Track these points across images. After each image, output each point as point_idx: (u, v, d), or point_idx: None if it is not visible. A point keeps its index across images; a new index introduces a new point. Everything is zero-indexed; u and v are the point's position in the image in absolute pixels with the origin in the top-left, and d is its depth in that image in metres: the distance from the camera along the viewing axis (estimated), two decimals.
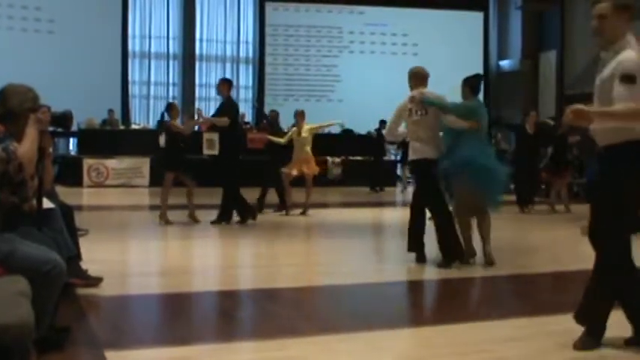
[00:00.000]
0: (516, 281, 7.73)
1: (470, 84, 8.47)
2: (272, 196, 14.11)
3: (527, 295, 7.14)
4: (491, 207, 8.37)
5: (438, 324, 5.66)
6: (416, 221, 8.40)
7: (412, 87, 8.46)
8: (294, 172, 13.43)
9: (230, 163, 12.02)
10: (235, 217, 12.02)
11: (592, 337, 4.75)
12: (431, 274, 8.12)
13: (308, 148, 13.54)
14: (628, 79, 4.45)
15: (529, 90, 27.08)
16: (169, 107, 12.44)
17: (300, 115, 13.70)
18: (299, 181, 13.80)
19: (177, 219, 12.07)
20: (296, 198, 13.91)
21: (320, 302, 6.60)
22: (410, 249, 8.44)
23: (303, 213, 13.62)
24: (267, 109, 26.14)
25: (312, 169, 13.62)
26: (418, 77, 8.50)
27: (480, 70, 28.41)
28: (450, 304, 6.75)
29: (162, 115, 12.60)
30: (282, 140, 13.74)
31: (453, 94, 8.71)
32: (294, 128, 13.71)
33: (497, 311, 6.10)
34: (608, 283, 4.71)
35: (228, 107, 12.03)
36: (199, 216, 12.04)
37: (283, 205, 13.86)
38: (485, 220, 8.37)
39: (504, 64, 28.71)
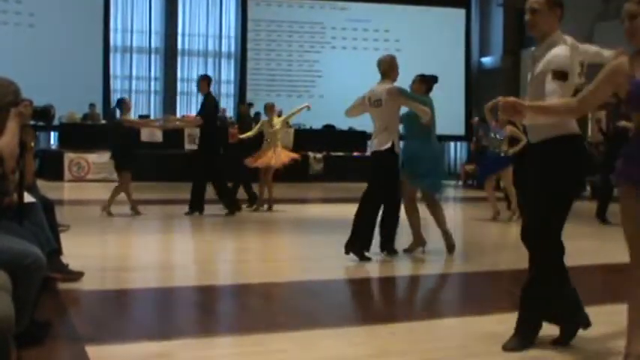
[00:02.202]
0: (495, 277, 7.78)
1: (428, 83, 8.80)
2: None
3: (505, 291, 7.19)
4: (435, 192, 8.83)
5: (418, 319, 5.70)
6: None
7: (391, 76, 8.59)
8: (257, 164, 13.37)
9: (206, 159, 12.12)
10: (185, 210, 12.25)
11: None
12: (410, 269, 8.18)
13: (279, 141, 13.57)
14: (560, 75, 4.50)
15: (510, 87, 27.15)
16: (120, 102, 12.46)
17: (270, 109, 13.71)
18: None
19: (158, 214, 12.08)
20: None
21: (300, 297, 6.62)
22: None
23: (270, 209, 13.63)
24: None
25: (279, 160, 13.51)
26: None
27: (462, 67, 28.58)
28: (429, 300, 6.80)
29: (114, 111, 12.62)
30: (250, 133, 13.73)
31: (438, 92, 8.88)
32: (264, 120, 13.69)
33: (477, 307, 6.13)
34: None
35: (208, 104, 12.18)
36: (179, 210, 12.05)
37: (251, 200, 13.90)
38: (435, 209, 8.72)
39: (486, 60, 28.82)
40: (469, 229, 11.93)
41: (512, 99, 4.39)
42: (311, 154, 22.30)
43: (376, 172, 8.45)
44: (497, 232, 11.58)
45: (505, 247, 9.99)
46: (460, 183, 23.60)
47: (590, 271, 7.77)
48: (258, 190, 13.70)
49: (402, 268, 8.32)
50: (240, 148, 13.92)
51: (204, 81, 12.48)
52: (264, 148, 13.37)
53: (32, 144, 5.15)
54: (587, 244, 9.71)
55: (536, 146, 4.73)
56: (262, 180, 13.59)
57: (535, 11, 4.70)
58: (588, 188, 17.35)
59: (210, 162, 12.19)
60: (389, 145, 8.25)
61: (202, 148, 12.34)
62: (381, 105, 8.37)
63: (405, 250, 8.73)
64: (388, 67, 8.60)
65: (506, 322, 5.33)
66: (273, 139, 13.38)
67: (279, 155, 13.39)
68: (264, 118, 14.10)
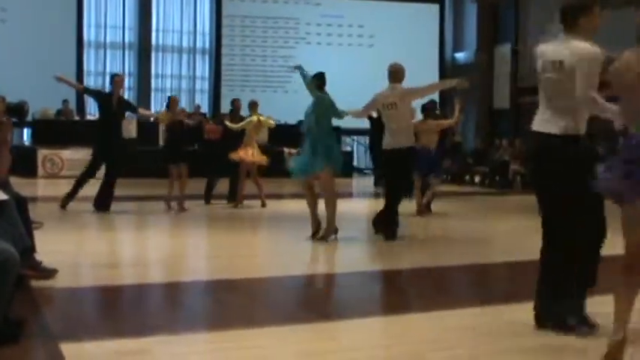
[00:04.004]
0: (469, 271, 7.83)
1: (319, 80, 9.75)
2: (222, 187, 14.07)
3: (480, 284, 7.26)
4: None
5: (393, 314, 5.73)
6: None
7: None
8: (249, 158, 13.36)
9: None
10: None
11: None
12: (385, 264, 8.22)
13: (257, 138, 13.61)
14: None
15: (484, 82, 27.28)
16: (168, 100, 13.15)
17: (254, 106, 13.68)
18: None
19: (132, 210, 12.05)
20: (250, 189, 13.87)
21: (276, 293, 6.63)
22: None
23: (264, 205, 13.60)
24: (223, 100, 26.12)
25: (258, 157, 13.57)
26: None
27: (436, 62, 28.64)
28: (404, 294, 6.83)
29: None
30: (235, 126, 13.67)
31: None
32: (253, 117, 13.61)
33: (450, 301, 6.17)
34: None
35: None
36: (154, 206, 12.03)
37: (234, 197, 13.81)
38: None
39: (460, 56, 28.91)
40: (440, 224, 11.97)
41: None
42: (285, 149, 22.24)
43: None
44: (468, 227, 11.62)
45: (474, 241, 10.02)
46: None
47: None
48: (239, 186, 13.63)
49: (377, 262, 8.37)
50: (220, 145, 13.93)
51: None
52: (250, 144, 13.37)
53: (9, 137, 5.11)
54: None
55: None
56: (243, 177, 13.54)
57: None
58: None
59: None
60: None
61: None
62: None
63: (319, 238, 9.31)
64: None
65: (478, 316, 5.40)
66: (256, 137, 13.47)
67: (257, 153, 13.45)
68: (245, 114, 14.05)
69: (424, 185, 12.54)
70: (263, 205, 13.49)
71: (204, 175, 13.78)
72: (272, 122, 13.85)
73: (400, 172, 9.58)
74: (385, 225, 9.43)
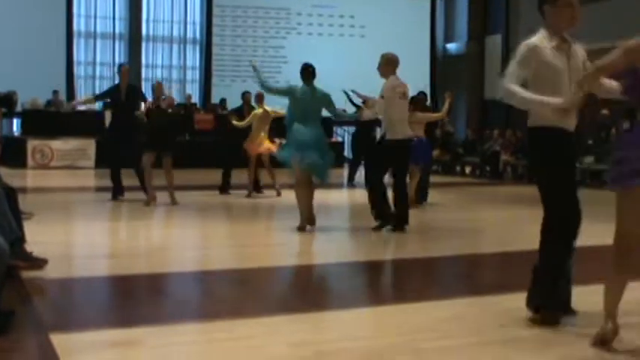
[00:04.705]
0: (459, 262, 7.83)
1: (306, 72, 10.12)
2: (216, 177, 14.11)
3: (470, 275, 7.26)
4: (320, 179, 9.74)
5: (383, 304, 5.73)
6: None
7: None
8: (261, 150, 13.52)
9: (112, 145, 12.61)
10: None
11: None
12: (377, 255, 8.22)
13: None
14: None
15: (475, 73, 27.31)
16: (152, 88, 12.80)
17: (260, 98, 13.69)
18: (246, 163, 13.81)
19: (122, 200, 12.02)
20: (241, 180, 13.92)
21: (268, 283, 6.62)
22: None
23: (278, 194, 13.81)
24: (214, 91, 26.09)
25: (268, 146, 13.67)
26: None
27: (427, 53, 28.61)
28: (395, 285, 6.83)
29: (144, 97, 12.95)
30: (242, 123, 13.69)
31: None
32: (259, 110, 13.64)
33: (441, 291, 6.18)
34: None
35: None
36: (144, 197, 12.01)
37: (226, 188, 13.95)
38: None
39: (451, 47, 28.93)
40: (430, 214, 11.98)
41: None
42: (277, 139, 22.20)
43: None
44: (458, 218, 11.63)
45: (464, 231, 10.03)
46: None
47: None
48: (248, 175, 13.72)
49: (366, 253, 8.35)
50: (228, 135, 14.00)
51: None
52: (257, 134, 13.45)
53: None
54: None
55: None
56: (252, 166, 13.70)
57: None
58: None
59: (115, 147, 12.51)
60: None
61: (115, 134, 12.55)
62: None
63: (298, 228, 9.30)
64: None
65: (468, 306, 5.40)
66: (264, 127, 13.60)
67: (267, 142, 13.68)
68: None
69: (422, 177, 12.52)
70: (278, 194, 13.77)
71: (202, 165, 13.79)
72: (280, 112, 13.80)
73: (403, 164, 9.53)
74: (399, 216, 9.35)
